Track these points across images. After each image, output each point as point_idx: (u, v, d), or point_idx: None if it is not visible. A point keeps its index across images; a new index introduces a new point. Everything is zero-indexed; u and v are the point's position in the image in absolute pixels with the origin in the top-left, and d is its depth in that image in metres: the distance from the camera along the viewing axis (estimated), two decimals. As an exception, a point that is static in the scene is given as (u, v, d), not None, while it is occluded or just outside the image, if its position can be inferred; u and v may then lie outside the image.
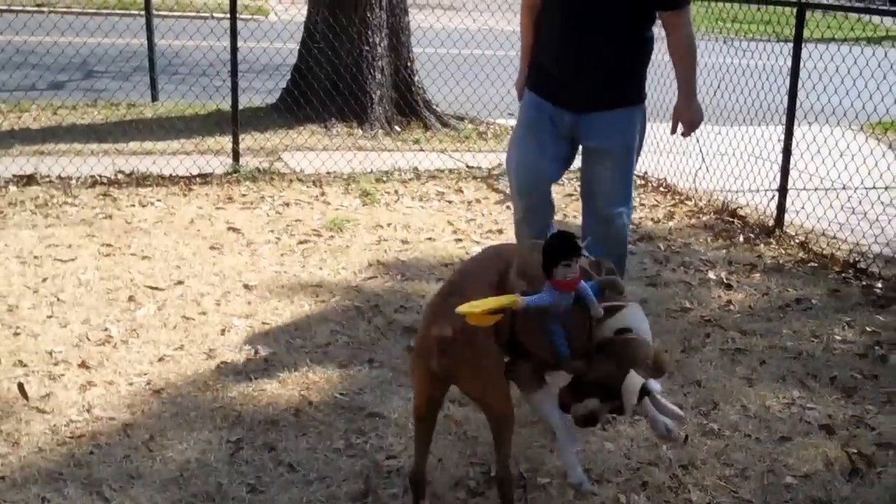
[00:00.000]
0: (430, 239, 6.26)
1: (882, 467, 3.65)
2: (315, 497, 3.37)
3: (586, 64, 4.44)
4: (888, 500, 3.43)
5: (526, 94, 4.75)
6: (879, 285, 5.68)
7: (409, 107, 9.84)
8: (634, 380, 3.05)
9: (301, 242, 6.03)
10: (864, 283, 5.73)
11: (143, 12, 10.82)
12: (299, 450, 3.65)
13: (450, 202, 7.18)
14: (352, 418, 3.90)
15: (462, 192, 7.48)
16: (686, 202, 7.47)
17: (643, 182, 7.99)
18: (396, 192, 7.37)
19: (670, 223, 6.93)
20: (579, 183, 4.99)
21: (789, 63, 6.67)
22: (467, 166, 8.36)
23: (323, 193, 7.19)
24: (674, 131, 4.67)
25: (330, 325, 4.80)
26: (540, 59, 4.65)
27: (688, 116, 4.59)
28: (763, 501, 3.41)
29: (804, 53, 6.64)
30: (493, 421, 3.18)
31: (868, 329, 5.03)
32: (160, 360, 4.36)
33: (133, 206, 6.61)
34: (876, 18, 20.97)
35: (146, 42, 10.31)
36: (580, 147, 4.64)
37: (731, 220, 6.98)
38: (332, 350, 4.54)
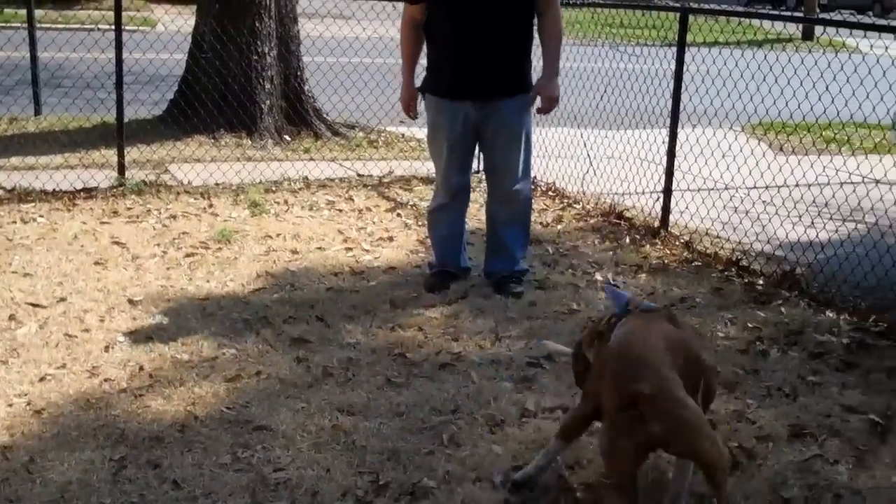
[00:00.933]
0: (320, 248, 6.24)
1: (762, 459, 3.75)
2: (200, 513, 3.33)
3: (484, 57, 5.15)
4: (768, 491, 3.51)
5: (427, 99, 5.42)
6: (760, 282, 5.83)
7: (299, 116, 9.79)
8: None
9: (188, 255, 5.96)
10: (745, 280, 5.88)
11: (25, 24, 10.58)
12: (184, 466, 3.60)
13: (340, 211, 7.17)
14: (238, 432, 3.86)
15: (353, 200, 7.47)
16: (574, 205, 7.57)
17: (532, 186, 8.06)
18: (286, 201, 7.33)
19: (559, 226, 7.01)
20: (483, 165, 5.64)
21: (673, 67, 6.81)
22: (358, 175, 8.36)
23: (211, 205, 7.11)
24: (532, 103, 5.38)
25: (217, 339, 4.75)
26: (437, 62, 5.34)
27: (550, 92, 5.30)
28: (651, 499, 3.46)
29: (687, 57, 6.79)
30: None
31: (749, 325, 5.16)
32: (41, 379, 4.26)
33: (14, 222, 6.45)
34: (756, 22, 21.54)
35: (29, 55, 10.08)
36: (484, 133, 5.34)
37: (617, 222, 7.09)
38: (218, 363, 4.49)
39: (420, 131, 8.39)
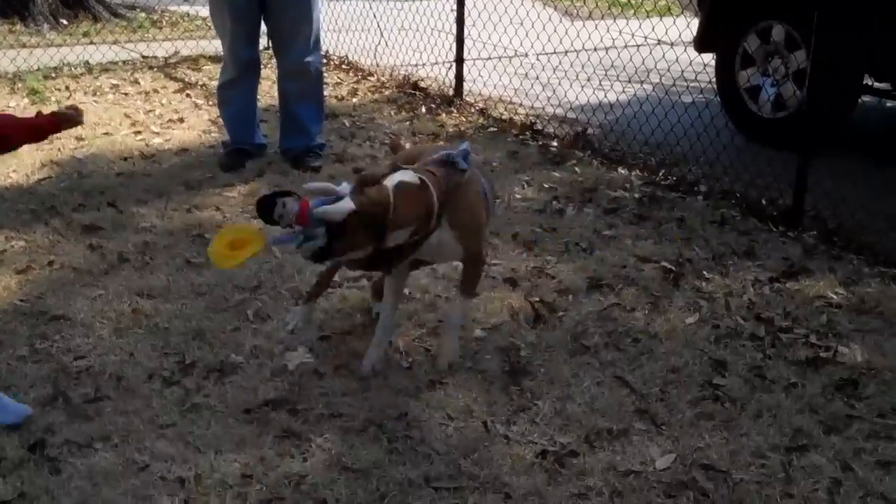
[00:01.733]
0: (107, 133, 5.99)
1: (563, 311, 3.85)
2: None
3: None
4: (569, 340, 3.62)
5: None
6: (555, 144, 5.95)
7: (76, -1, 9.30)
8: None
9: (-36, 148, 5.62)
10: (540, 143, 5.98)
11: None
12: (-23, 362, 3.44)
13: (126, 94, 6.89)
14: (34, 324, 3.70)
15: (138, 83, 7.18)
16: (369, 78, 7.51)
17: (325, 61, 7.93)
18: (67, 87, 6.99)
19: (354, 99, 6.94)
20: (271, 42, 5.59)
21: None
22: (142, 56, 8.04)
23: (-15, 94, 6.72)
24: None
25: (3, 232, 4.52)
26: None
27: None
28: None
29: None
30: None
31: (546, 186, 5.26)
32: None
33: None
34: None
35: None
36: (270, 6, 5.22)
37: (413, 92, 7.07)
38: (7, 256, 4.27)
39: (205, 9, 8.10)
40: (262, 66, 5.58)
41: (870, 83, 5.91)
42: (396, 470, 2.85)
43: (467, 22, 6.94)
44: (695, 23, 6.60)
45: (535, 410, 3.17)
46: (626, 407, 3.20)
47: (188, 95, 6.88)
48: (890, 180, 4.72)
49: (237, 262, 3.03)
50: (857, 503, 2.76)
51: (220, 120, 5.72)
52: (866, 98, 5.91)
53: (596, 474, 2.85)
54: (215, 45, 7.59)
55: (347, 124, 6.33)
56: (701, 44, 6.49)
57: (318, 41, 5.42)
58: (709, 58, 6.43)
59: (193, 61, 7.85)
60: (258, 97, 5.64)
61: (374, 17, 8.44)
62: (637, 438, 3.03)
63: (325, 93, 6.91)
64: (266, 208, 2.91)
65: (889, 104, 5.99)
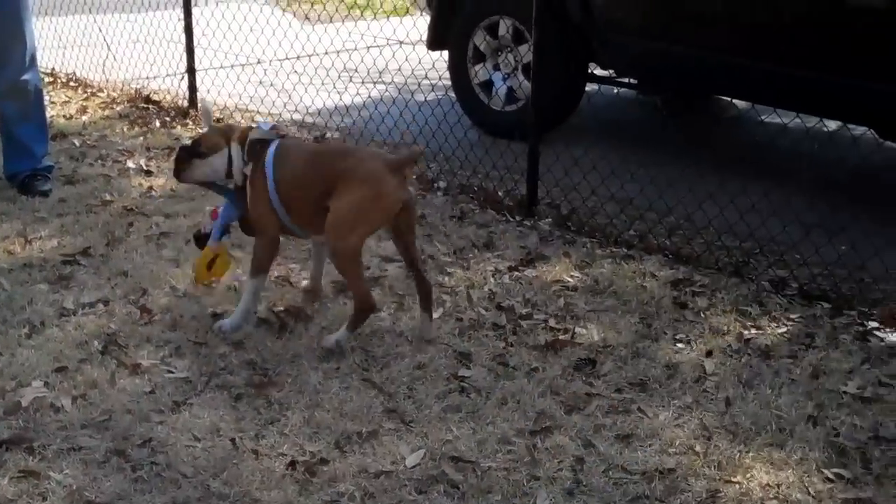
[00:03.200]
0: None
1: (309, 319, 3.83)
2: None
3: None
4: (316, 346, 3.61)
5: None
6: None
7: None
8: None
9: None
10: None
11: None
12: None
13: None
14: None
15: None
16: (98, 94, 7.24)
17: (51, 79, 7.61)
18: None
19: (84, 117, 6.68)
20: None
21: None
22: None
23: None
24: None
25: None
26: None
27: None
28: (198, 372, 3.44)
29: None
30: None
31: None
32: None
33: None
34: None
35: None
36: None
37: (146, 106, 6.87)
38: None
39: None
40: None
41: (594, 72, 6.16)
42: (143, 499, 2.76)
43: (204, 31, 6.81)
44: (426, 21, 6.70)
45: (284, 421, 3.14)
46: (374, 408, 3.21)
47: None
48: (616, 165, 4.93)
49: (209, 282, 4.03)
50: (601, 477, 2.87)
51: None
52: (593, 86, 6.15)
53: (347, 479, 2.84)
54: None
55: (77, 143, 6.07)
56: (433, 42, 6.60)
57: (33, 58, 5.16)
58: (439, 55, 6.54)
59: None
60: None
61: (100, 30, 8.15)
62: (387, 438, 3.05)
63: (53, 112, 6.65)
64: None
65: (615, 92, 6.25)
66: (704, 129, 6.61)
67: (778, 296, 4.07)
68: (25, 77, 5.11)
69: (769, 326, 3.81)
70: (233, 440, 3.03)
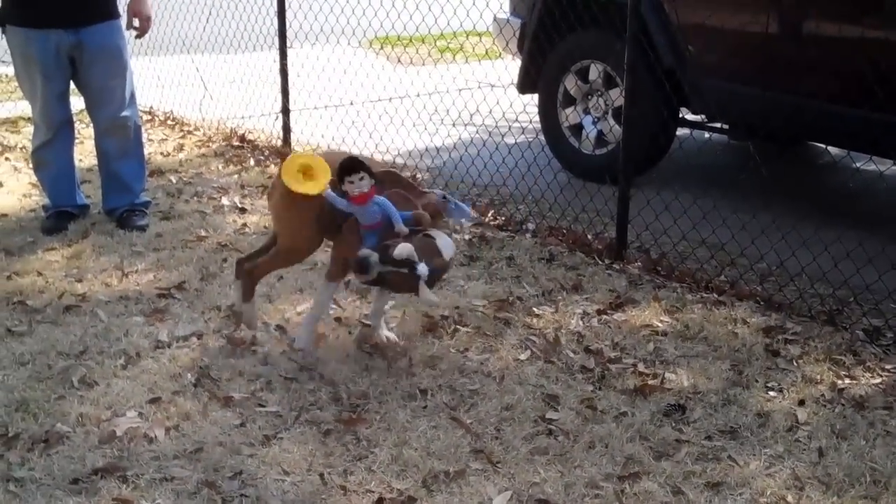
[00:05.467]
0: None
1: (397, 356, 3.86)
2: None
3: None
4: (404, 384, 3.63)
5: (11, 32, 5.05)
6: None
7: None
8: (405, 249, 3.35)
9: None
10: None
11: None
12: None
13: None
14: None
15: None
16: (195, 133, 7.41)
17: (150, 118, 7.82)
18: None
19: (180, 155, 6.84)
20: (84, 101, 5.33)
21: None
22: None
23: None
24: (129, 26, 5.24)
25: None
26: None
27: (142, 11, 5.21)
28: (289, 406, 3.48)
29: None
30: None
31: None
32: None
33: None
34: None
35: None
36: (80, 63, 5.10)
37: (241, 145, 7.01)
38: None
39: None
40: (77, 125, 5.44)
41: (685, 117, 6.14)
42: (232, 530, 2.80)
43: (298, 73, 6.92)
44: (516, 65, 6.74)
45: (372, 458, 3.16)
46: (462, 448, 3.22)
47: (7, 159, 6.66)
48: (706, 210, 4.90)
49: (306, 191, 3.58)
50: (689, 525, 2.83)
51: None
52: (685, 131, 6.13)
53: (434, 518, 2.85)
54: (33, 106, 7.38)
55: (174, 180, 6.22)
56: (523, 85, 6.64)
57: (132, 95, 5.32)
58: (530, 98, 6.57)
59: (12, 123, 7.61)
60: (79, 157, 5.49)
61: (197, 70, 8.35)
62: (474, 478, 3.05)
63: (150, 149, 6.82)
64: (349, 165, 3.53)
65: (707, 136, 6.22)
66: (798, 175, 6.54)
67: (872, 345, 3.99)
68: (125, 114, 5.27)
69: (863, 376, 3.74)
70: (321, 475, 3.06)
